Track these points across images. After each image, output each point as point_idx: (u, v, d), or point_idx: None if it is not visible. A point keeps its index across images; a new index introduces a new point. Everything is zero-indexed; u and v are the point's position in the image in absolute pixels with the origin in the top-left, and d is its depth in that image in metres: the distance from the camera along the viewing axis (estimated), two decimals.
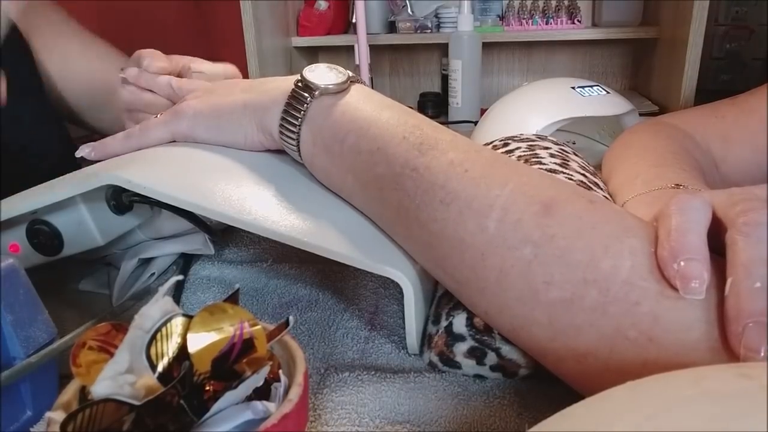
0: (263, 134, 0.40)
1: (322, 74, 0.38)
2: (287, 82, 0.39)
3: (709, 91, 0.93)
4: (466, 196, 0.31)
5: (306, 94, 0.37)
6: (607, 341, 0.26)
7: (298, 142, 0.38)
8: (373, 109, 0.36)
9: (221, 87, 0.43)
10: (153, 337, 0.24)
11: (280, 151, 0.42)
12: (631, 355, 0.26)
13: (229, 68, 0.51)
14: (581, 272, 0.27)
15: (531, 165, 0.44)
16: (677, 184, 0.43)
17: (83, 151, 0.42)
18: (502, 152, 0.49)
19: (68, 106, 0.67)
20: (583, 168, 0.47)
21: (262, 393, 0.25)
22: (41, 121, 0.47)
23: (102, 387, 0.23)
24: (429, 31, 1.22)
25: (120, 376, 0.23)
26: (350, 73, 0.39)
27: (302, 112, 0.37)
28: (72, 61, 0.52)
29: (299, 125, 0.37)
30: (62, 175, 0.38)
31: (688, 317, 0.25)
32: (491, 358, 0.33)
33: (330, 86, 0.37)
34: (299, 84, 0.38)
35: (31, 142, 0.62)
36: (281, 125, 0.38)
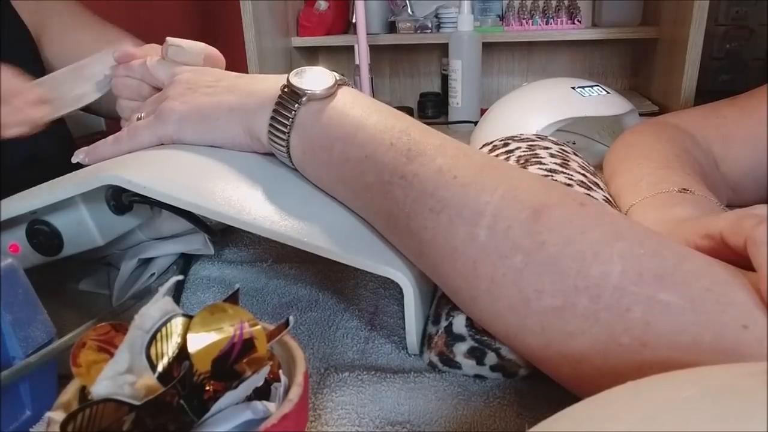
0: (251, 138, 0.40)
1: (308, 79, 0.37)
2: (274, 86, 0.38)
3: (709, 91, 0.93)
4: (456, 203, 0.30)
5: (293, 101, 0.36)
6: (601, 348, 0.26)
7: (288, 148, 0.38)
8: (360, 114, 0.36)
9: (204, 83, 0.42)
10: (153, 337, 0.24)
11: None
12: (625, 360, 0.26)
13: (209, 49, 0.50)
14: (572, 280, 0.27)
15: (531, 165, 0.44)
16: (683, 189, 0.43)
17: (78, 157, 0.43)
18: (502, 152, 0.49)
19: None
20: (583, 168, 0.47)
21: (262, 393, 0.25)
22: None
23: (102, 387, 0.23)
24: (429, 31, 1.22)
25: (120, 376, 0.23)
26: (337, 76, 0.38)
27: (290, 119, 0.37)
28: (85, 53, 0.52)
29: (288, 132, 0.37)
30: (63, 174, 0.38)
31: (680, 321, 0.25)
32: (491, 358, 0.33)
33: (317, 92, 0.36)
34: (285, 90, 0.37)
35: (34, 143, 0.62)
36: (270, 132, 0.38)
